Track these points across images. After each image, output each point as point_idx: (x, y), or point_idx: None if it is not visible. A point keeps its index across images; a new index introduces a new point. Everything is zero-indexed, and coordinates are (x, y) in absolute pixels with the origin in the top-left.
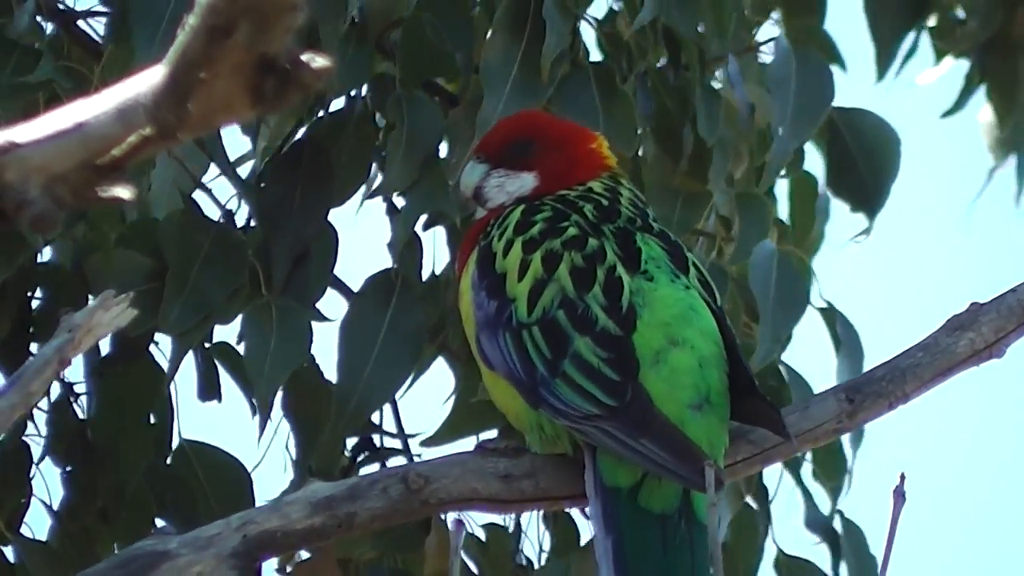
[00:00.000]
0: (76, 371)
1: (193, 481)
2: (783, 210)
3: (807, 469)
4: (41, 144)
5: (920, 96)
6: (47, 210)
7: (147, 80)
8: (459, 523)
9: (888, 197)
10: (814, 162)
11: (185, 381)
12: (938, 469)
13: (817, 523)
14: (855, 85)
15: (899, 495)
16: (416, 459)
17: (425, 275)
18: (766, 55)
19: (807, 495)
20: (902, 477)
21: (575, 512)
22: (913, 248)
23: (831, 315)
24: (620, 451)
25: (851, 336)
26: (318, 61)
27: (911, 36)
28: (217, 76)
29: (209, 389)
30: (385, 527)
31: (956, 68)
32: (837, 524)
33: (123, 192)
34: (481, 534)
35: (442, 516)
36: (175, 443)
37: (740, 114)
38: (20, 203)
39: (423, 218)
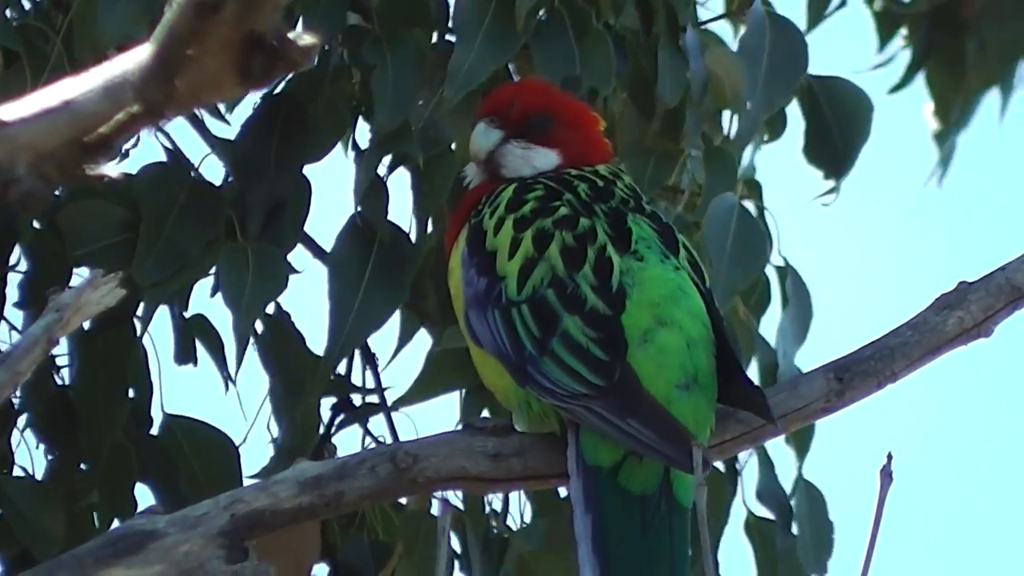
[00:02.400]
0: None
1: (179, 456)
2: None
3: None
4: (28, 122)
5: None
6: (35, 188)
7: (134, 58)
8: (445, 503)
9: (856, 161)
10: (795, 129)
11: (167, 355)
12: (926, 449)
13: (769, 495)
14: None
15: (886, 475)
16: (392, 415)
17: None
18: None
19: (767, 463)
20: (889, 457)
21: None
22: (901, 226)
23: (784, 272)
24: (607, 430)
25: (801, 295)
26: (305, 39)
27: None
28: (205, 53)
29: (185, 352)
30: (373, 505)
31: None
32: (800, 490)
33: (110, 169)
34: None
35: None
36: (157, 416)
37: (694, 86)
38: (7, 181)
39: (390, 164)
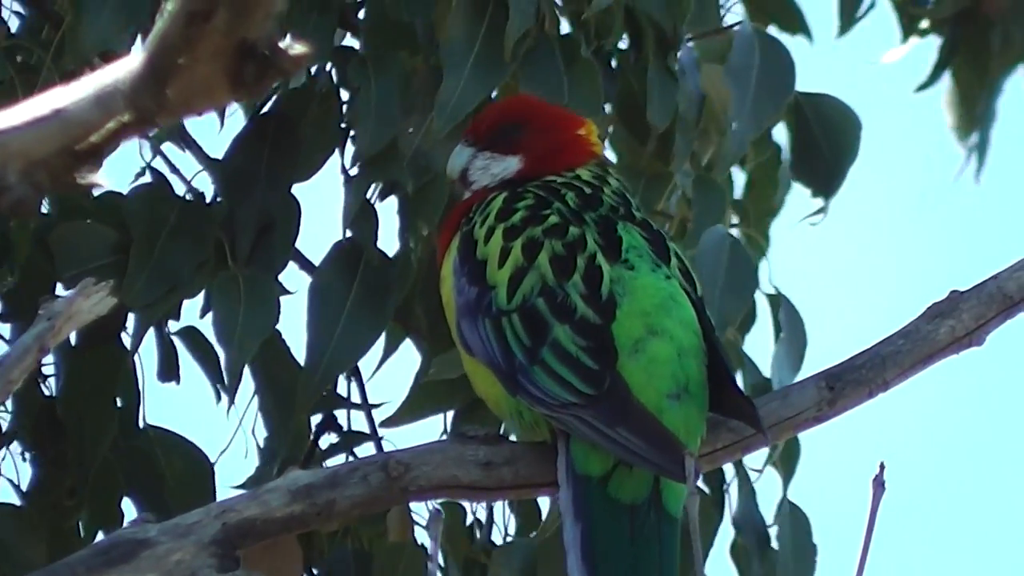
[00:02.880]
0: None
1: (158, 465)
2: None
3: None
4: (19, 130)
5: (886, 75)
6: (26, 196)
7: (125, 66)
8: (437, 512)
9: (844, 180)
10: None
11: (149, 364)
12: (919, 458)
13: (746, 521)
14: (819, 61)
15: (879, 484)
16: (382, 441)
17: (391, 250)
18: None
19: (747, 488)
20: (882, 466)
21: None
22: (893, 235)
23: (776, 301)
24: (597, 440)
25: (795, 324)
26: (297, 47)
27: None
28: (196, 62)
29: (168, 370)
30: (365, 515)
31: (920, 47)
32: (784, 513)
33: (101, 178)
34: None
35: (427, 505)
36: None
37: (689, 104)
38: None
39: (381, 190)
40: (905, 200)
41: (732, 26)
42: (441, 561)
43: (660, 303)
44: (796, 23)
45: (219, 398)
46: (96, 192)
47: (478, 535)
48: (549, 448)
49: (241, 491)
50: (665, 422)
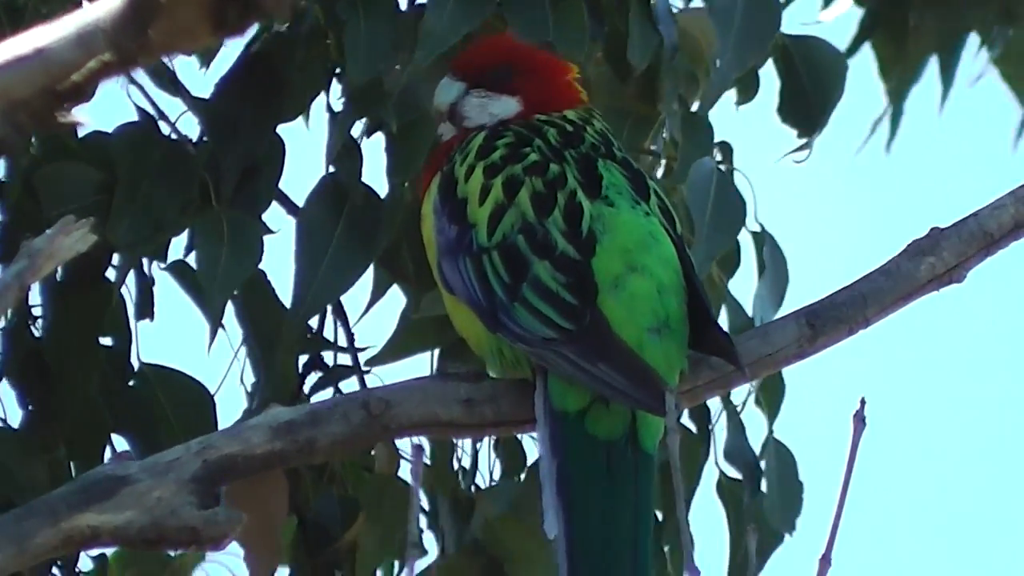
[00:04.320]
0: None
1: (154, 405)
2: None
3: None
4: (1, 70)
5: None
6: (6, 136)
7: (107, 5)
8: (418, 448)
9: (829, 120)
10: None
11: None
12: (899, 395)
13: (737, 455)
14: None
15: (859, 420)
16: (366, 376)
17: (381, 190)
18: None
19: (737, 424)
20: (862, 402)
21: (524, 437)
22: (873, 172)
23: (761, 238)
24: (577, 376)
25: (778, 262)
26: None
27: None
28: (178, 2)
29: (144, 308)
30: (346, 452)
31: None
32: (769, 450)
33: (83, 117)
34: (424, 445)
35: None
36: (135, 367)
37: (666, 50)
38: None
39: (366, 128)
40: (885, 138)
41: None
42: (426, 503)
43: (640, 240)
44: None
45: (214, 335)
46: (79, 131)
47: (461, 481)
48: (530, 385)
49: None
50: (645, 357)
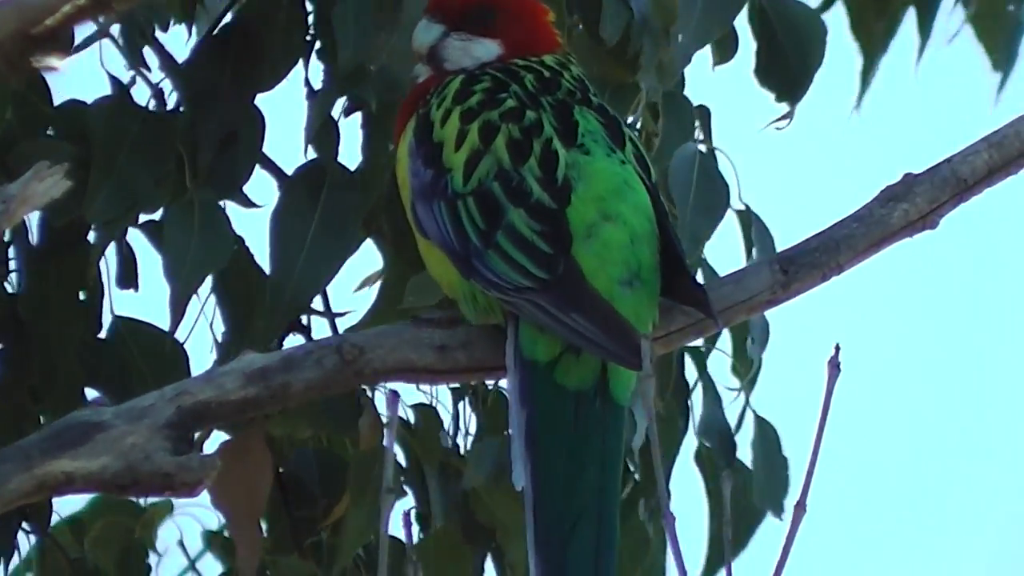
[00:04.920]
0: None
1: (127, 357)
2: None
3: (724, 363)
4: None
5: None
6: None
7: None
8: (394, 394)
9: (810, 85)
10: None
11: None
12: (872, 341)
13: (712, 429)
14: None
15: (834, 366)
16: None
17: (354, 163)
18: None
19: (711, 393)
20: (837, 348)
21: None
22: (845, 118)
23: (747, 217)
24: (550, 324)
25: (765, 240)
26: None
27: None
28: None
29: (127, 278)
30: (320, 397)
31: None
32: (754, 429)
33: (56, 61)
34: (410, 416)
35: (378, 388)
36: (107, 321)
37: (636, 18)
38: None
39: (343, 107)
40: (858, 84)
41: None
42: (403, 460)
43: (614, 188)
44: None
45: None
46: (55, 97)
47: (448, 439)
48: (503, 332)
49: None
50: (617, 308)
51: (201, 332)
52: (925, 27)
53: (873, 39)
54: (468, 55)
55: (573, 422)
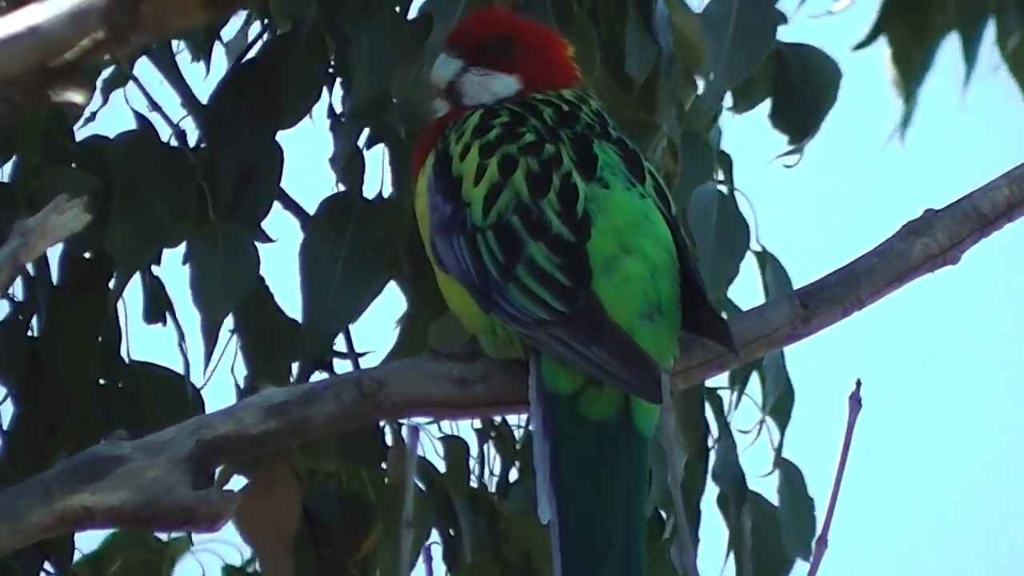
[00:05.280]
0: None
1: (143, 400)
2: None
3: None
4: None
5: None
6: (0, 113)
7: None
8: (415, 429)
9: (821, 125)
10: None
11: (135, 300)
12: (893, 376)
13: (725, 474)
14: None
15: (855, 401)
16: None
17: (372, 193)
18: None
19: (727, 436)
20: (858, 383)
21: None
22: (868, 153)
23: (764, 259)
24: (570, 357)
25: (782, 281)
26: None
27: None
28: None
29: (155, 312)
30: (340, 430)
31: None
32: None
33: (76, 96)
34: (437, 452)
35: (397, 426)
36: (125, 362)
37: (663, 57)
38: None
39: (367, 137)
40: (881, 119)
41: None
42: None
43: (634, 221)
44: None
45: (207, 365)
46: (77, 132)
47: (473, 480)
48: (523, 365)
49: None
50: (637, 341)
51: (221, 373)
52: (970, 57)
53: (913, 69)
54: (486, 90)
55: (597, 454)
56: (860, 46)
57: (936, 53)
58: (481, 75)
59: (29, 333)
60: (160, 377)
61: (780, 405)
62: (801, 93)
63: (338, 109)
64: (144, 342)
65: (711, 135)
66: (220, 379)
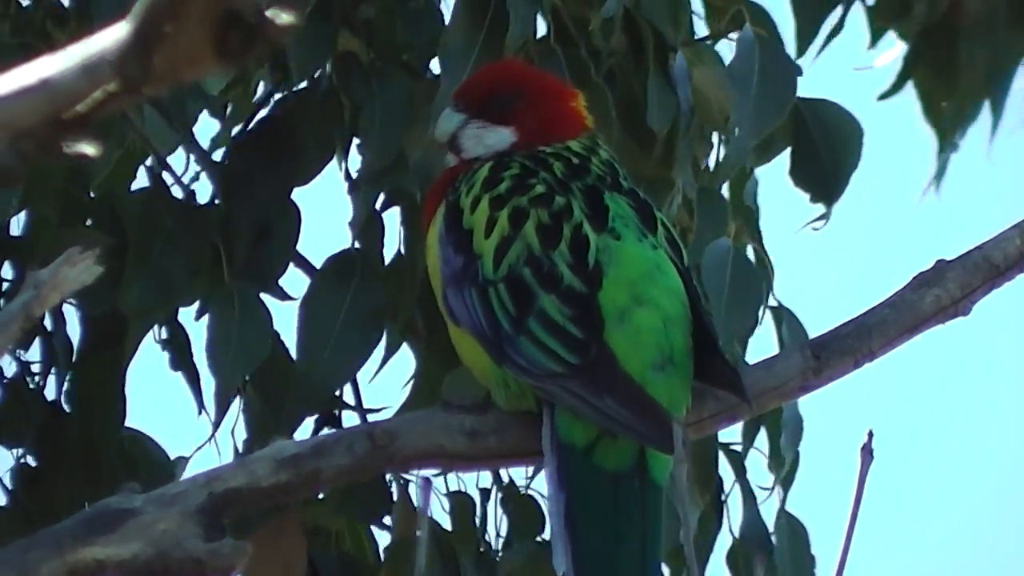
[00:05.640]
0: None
1: (135, 465)
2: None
3: (757, 458)
4: (6, 100)
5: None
6: (12, 166)
7: (112, 35)
8: (427, 481)
9: (846, 187)
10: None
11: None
12: (904, 428)
13: (753, 534)
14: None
15: (867, 453)
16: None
17: (388, 254)
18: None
19: (749, 496)
20: (870, 435)
21: (538, 498)
22: (879, 204)
23: (779, 314)
24: (583, 410)
25: (799, 335)
26: (283, 16)
27: (838, 12)
28: (182, 30)
29: (180, 360)
30: (352, 483)
31: (889, 45)
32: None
33: (88, 148)
34: (444, 504)
35: (403, 481)
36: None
37: (682, 112)
38: None
39: (382, 197)
40: (892, 170)
41: (728, 29)
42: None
43: (646, 272)
44: (768, 29)
45: (200, 411)
46: (93, 189)
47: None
48: (535, 417)
49: None
50: (649, 392)
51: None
52: (998, 110)
53: (945, 120)
54: (481, 143)
55: (612, 504)
56: (885, 96)
57: (977, 110)
58: (478, 128)
59: (45, 386)
60: (144, 447)
61: (785, 462)
62: (820, 149)
63: (353, 169)
64: (154, 385)
65: (748, 188)
66: (222, 434)
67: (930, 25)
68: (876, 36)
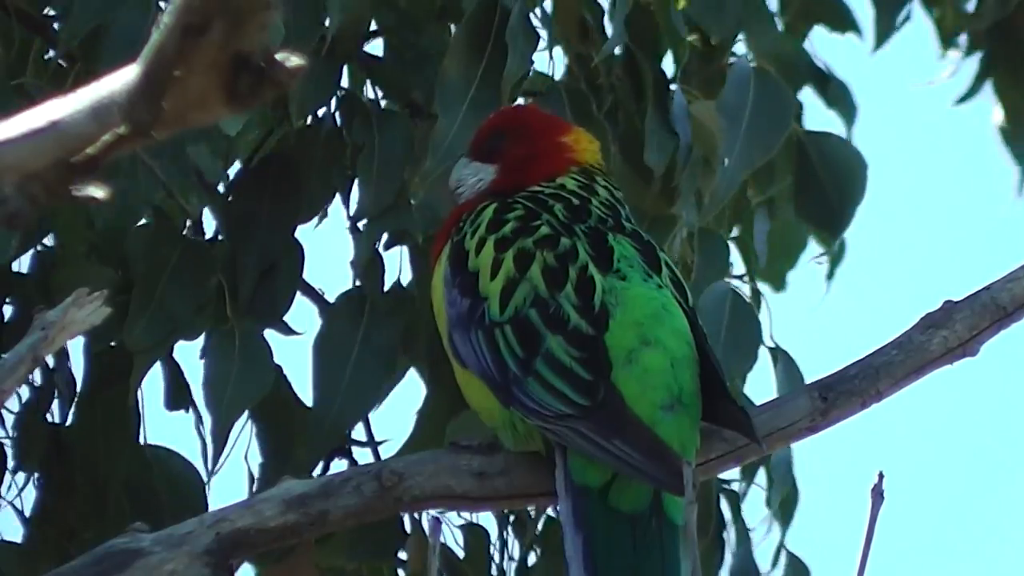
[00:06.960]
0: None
1: (156, 482)
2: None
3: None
4: (15, 143)
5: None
6: (20, 208)
7: (121, 78)
8: (437, 521)
9: (851, 221)
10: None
11: (152, 382)
12: (913, 469)
13: (743, 572)
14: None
15: (877, 494)
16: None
17: (392, 288)
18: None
19: (743, 534)
20: (880, 476)
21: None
22: (885, 244)
23: (776, 355)
24: (592, 451)
25: (795, 379)
26: (292, 60)
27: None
28: (191, 74)
29: (178, 399)
30: (359, 524)
31: (950, 62)
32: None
33: (97, 191)
34: (456, 540)
35: (417, 515)
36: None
37: (681, 148)
38: None
39: (385, 236)
40: (900, 210)
41: (730, 63)
42: None
43: (652, 313)
44: (845, 22)
45: (213, 467)
46: (98, 221)
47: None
48: (543, 458)
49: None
50: (659, 433)
51: (235, 461)
52: None
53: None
54: (466, 184)
55: (630, 544)
56: (962, 100)
57: None
58: (467, 167)
59: (54, 420)
60: (170, 462)
61: (785, 503)
62: (824, 183)
63: (356, 220)
64: (161, 426)
65: (757, 225)
66: (233, 465)
67: (999, 27)
68: (947, 41)
